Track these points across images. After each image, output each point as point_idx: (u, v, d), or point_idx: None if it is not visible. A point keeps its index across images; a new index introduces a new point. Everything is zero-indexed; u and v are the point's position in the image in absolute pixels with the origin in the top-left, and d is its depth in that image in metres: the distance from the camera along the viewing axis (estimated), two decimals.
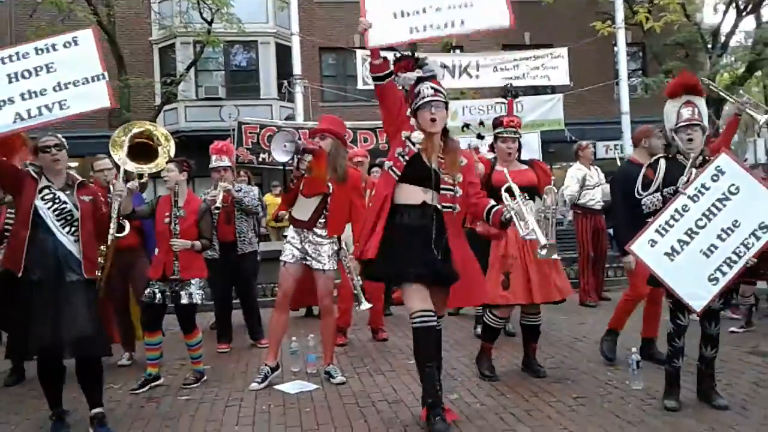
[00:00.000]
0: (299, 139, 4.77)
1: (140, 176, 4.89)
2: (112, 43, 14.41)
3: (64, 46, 3.90)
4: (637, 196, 4.17)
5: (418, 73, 3.80)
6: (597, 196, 7.96)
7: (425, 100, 3.73)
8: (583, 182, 7.88)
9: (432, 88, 3.77)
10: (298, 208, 4.87)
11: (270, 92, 18.06)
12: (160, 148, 5.37)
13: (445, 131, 3.84)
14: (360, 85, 12.35)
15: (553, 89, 14.36)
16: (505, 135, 4.82)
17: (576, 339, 6.10)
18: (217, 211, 5.95)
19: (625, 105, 12.17)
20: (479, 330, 5.67)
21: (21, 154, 4.64)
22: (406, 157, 3.71)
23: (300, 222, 4.85)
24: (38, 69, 3.84)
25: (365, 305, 5.13)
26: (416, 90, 3.79)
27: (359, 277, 5.02)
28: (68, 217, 3.90)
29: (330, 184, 4.76)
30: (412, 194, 3.74)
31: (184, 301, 4.96)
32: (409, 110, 3.80)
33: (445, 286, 3.82)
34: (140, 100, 16.61)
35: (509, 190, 3.91)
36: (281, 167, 4.96)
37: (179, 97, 16.99)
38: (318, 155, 4.70)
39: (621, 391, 4.42)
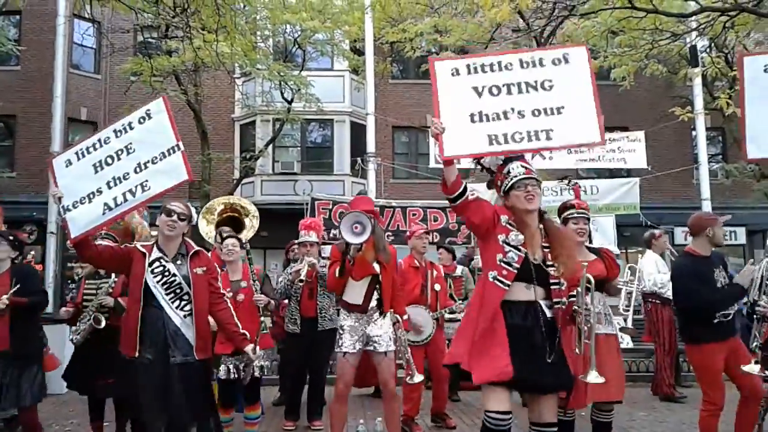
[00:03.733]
0: (372, 219, 4.73)
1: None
2: (197, 119, 15.22)
3: (139, 122, 3.79)
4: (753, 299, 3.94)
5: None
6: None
7: (518, 178, 3.38)
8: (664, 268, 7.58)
9: (523, 166, 3.42)
10: (350, 292, 4.82)
11: (343, 168, 18.49)
12: (246, 219, 5.63)
13: (541, 215, 3.47)
14: (432, 164, 12.49)
15: (628, 173, 14.14)
16: (576, 216, 4.56)
17: None
18: (300, 284, 6.03)
19: (705, 191, 11.83)
20: None
21: None
22: (516, 265, 3.27)
23: (354, 306, 4.80)
24: (119, 152, 3.76)
25: (417, 378, 5.01)
26: (505, 170, 3.45)
27: (409, 349, 4.98)
28: (177, 291, 3.69)
29: (377, 264, 4.75)
30: (515, 292, 3.30)
31: (257, 373, 4.99)
32: (500, 192, 3.46)
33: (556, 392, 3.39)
34: (220, 174, 17.30)
35: (588, 283, 3.57)
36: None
37: (257, 172, 17.63)
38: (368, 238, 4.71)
39: None
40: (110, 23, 17.31)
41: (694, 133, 13.78)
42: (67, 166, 3.80)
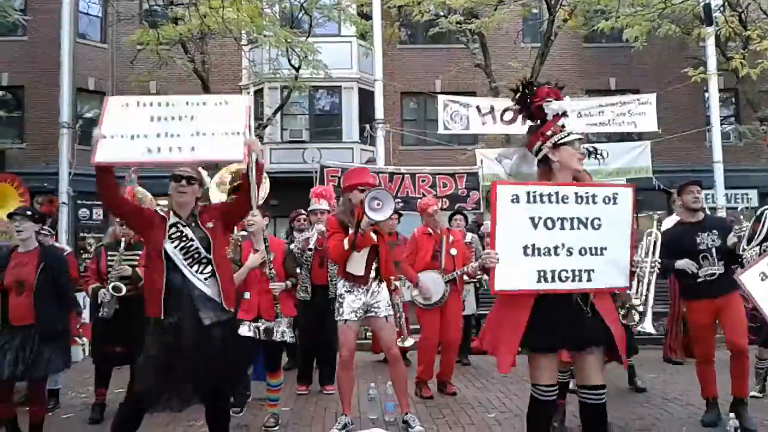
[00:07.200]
0: (391, 194, 4.81)
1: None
2: (205, 88, 15.15)
3: (215, 104, 3.80)
4: (740, 252, 3.98)
5: (568, 104, 3.43)
6: None
7: (576, 136, 3.37)
8: None
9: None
10: (352, 263, 4.84)
11: (352, 136, 18.41)
12: None
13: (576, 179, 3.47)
14: (441, 130, 12.44)
15: (639, 136, 14.00)
16: None
17: (667, 400, 5.77)
18: (310, 253, 6.07)
19: (717, 153, 11.69)
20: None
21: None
22: None
23: (357, 277, 4.83)
24: (182, 116, 3.71)
25: (409, 341, 5.10)
26: (560, 122, 3.40)
27: (404, 314, 5.11)
28: (195, 255, 3.65)
29: (374, 234, 4.80)
30: None
31: (277, 338, 4.99)
32: (549, 142, 3.36)
33: (600, 347, 3.34)
34: None
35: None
36: None
37: (265, 140, 17.57)
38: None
39: None
40: None
41: (706, 94, 13.56)
42: (123, 106, 3.77)
